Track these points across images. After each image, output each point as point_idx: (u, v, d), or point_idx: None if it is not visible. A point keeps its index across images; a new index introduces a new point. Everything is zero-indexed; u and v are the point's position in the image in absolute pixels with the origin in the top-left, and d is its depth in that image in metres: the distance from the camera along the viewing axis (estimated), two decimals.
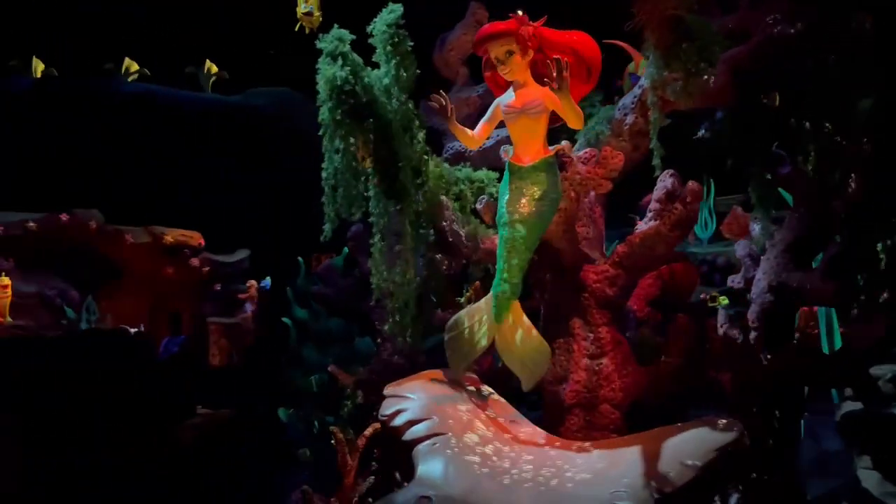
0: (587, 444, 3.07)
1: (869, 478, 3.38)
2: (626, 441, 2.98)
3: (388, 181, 3.86)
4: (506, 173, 3.34)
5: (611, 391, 3.46)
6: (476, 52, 3.36)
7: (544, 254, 3.64)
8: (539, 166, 3.24)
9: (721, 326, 3.67)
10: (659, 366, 3.45)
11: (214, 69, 8.19)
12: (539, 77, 3.29)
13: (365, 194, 3.83)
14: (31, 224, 7.33)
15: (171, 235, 8.13)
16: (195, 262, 8.49)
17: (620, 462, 2.80)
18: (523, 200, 3.22)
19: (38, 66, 7.60)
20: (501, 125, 3.45)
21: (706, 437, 2.79)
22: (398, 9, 3.89)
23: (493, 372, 3.77)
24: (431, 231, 3.87)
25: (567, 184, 3.44)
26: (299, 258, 4.89)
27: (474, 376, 3.53)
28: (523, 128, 3.26)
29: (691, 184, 3.31)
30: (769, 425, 3.10)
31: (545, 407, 3.61)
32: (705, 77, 3.22)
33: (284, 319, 4.39)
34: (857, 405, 3.47)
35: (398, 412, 3.28)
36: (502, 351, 3.24)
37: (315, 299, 4.35)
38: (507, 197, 3.26)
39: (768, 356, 3.19)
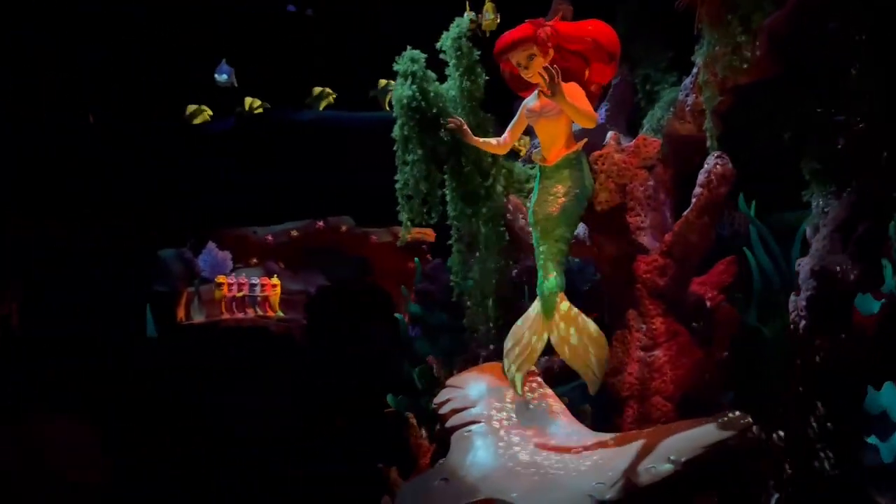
0: (610, 438, 3.09)
1: None
2: (638, 435, 2.97)
3: (461, 186, 4.14)
4: (536, 174, 3.44)
5: (662, 383, 3.40)
6: (498, 62, 3.48)
7: (597, 247, 3.66)
8: (561, 164, 3.29)
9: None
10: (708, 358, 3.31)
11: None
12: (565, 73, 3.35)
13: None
14: (294, 232, 8.72)
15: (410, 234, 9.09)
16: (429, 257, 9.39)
17: (618, 456, 2.83)
18: (549, 199, 3.30)
19: (254, 103, 8.85)
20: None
21: (700, 434, 2.71)
22: (464, 22, 4.14)
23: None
24: (503, 230, 4.06)
25: (604, 176, 3.44)
26: (415, 259, 5.33)
27: (533, 368, 3.66)
28: (544, 129, 3.33)
29: (717, 167, 3.12)
30: (807, 423, 2.86)
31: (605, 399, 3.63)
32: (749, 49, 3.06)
33: (396, 315, 4.84)
34: None
35: (447, 401, 3.56)
36: (559, 348, 3.21)
37: (419, 295, 4.74)
38: (535, 198, 3.36)
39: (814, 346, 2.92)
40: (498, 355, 4.10)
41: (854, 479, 2.94)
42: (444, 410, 3.49)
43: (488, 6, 4.25)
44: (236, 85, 8.63)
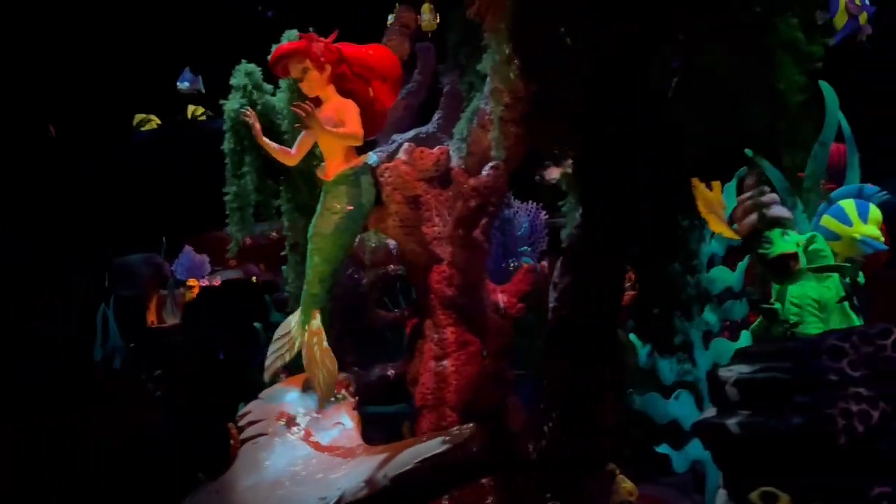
0: (360, 449, 3.12)
1: (720, 498, 2.89)
2: (378, 450, 2.99)
3: (293, 197, 4.19)
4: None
5: (449, 393, 3.41)
6: (275, 73, 3.54)
7: (403, 257, 3.68)
8: (338, 180, 3.33)
9: None
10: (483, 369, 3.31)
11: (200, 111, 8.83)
12: (345, 92, 3.40)
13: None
14: (274, 234, 8.85)
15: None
16: None
17: (348, 471, 2.85)
18: (324, 215, 3.34)
19: (196, 111, 8.96)
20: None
21: (419, 449, 2.72)
22: (292, 34, 4.18)
23: None
24: None
25: (390, 188, 3.46)
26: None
27: (343, 378, 3.69)
28: (322, 143, 3.37)
29: (470, 180, 3.11)
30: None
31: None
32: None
33: (255, 324, 4.92)
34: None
35: (246, 413, 3.63)
36: (304, 357, 3.34)
37: (277, 304, 4.81)
38: (316, 212, 3.40)
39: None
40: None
41: None
42: (241, 423, 3.56)
43: (426, 7, 4.32)
44: (203, 91, 8.75)
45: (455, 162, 3.63)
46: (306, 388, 3.52)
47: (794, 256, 3.04)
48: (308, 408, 3.45)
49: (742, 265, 3.52)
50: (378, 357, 4.44)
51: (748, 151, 3.58)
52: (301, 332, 3.28)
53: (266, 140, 3.53)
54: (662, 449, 3.40)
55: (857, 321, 3.03)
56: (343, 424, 3.41)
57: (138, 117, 8.83)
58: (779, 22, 2.07)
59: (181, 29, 8.25)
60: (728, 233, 3.27)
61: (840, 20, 4.04)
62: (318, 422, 3.39)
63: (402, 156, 3.49)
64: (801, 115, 2.19)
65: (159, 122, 8.87)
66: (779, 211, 3.08)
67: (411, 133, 4.25)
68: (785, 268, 3.05)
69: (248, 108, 3.63)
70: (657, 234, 2.29)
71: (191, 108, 8.78)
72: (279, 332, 3.42)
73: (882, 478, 2.38)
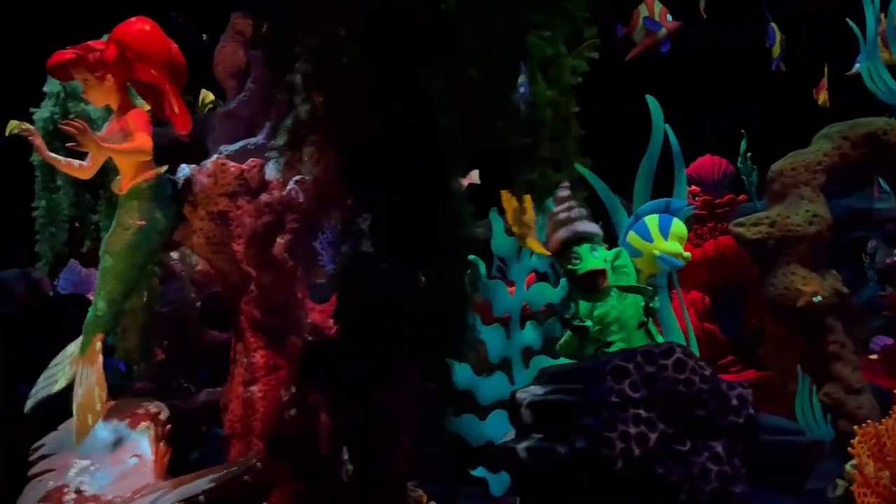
0: (163, 483, 2.92)
1: None
2: (174, 482, 2.81)
3: (110, 212, 3.93)
4: None
5: (256, 420, 3.23)
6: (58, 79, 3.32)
7: (217, 276, 3.48)
8: (130, 194, 3.11)
9: None
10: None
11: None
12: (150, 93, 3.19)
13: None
14: None
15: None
16: None
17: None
18: (117, 231, 3.12)
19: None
20: None
21: (187, 489, 2.55)
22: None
23: None
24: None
25: (192, 203, 3.26)
26: None
27: (153, 408, 3.44)
28: (114, 156, 3.15)
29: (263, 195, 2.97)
30: None
31: None
32: None
33: None
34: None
35: (40, 446, 3.36)
36: (76, 384, 3.03)
37: None
38: (111, 227, 3.17)
39: None
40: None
41: None
42: (32, 457, 3.29)
43: None
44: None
45: (274, 175, 3.47)
46: (116, 418, 3.28)
47: (603, 273, 3.01)
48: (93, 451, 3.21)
49: (563, 282, 3.47)
50: (208, 381, 4.22)
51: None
52: (76, 358, 3.02)
53: (51, 154, 3.26)
54: (479, 472, 3.31)
55: (659, 339, 3.02)
56: (141, 457, 3.20)
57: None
58: (528, 35, 2.00)
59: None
60: (538, 248, 3.22)
61: (639, 35, 4.10)
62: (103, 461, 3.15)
63: (205, 169, 3.29)
64: (560, 130, 2.12)
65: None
66: (587, 226, 3.04)
67: (239, 144, 4.05)
68: (593, 284, 3.01)
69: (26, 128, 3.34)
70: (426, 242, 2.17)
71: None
72: (57, 358, 3.16)
73: (657, 502, 2.34)
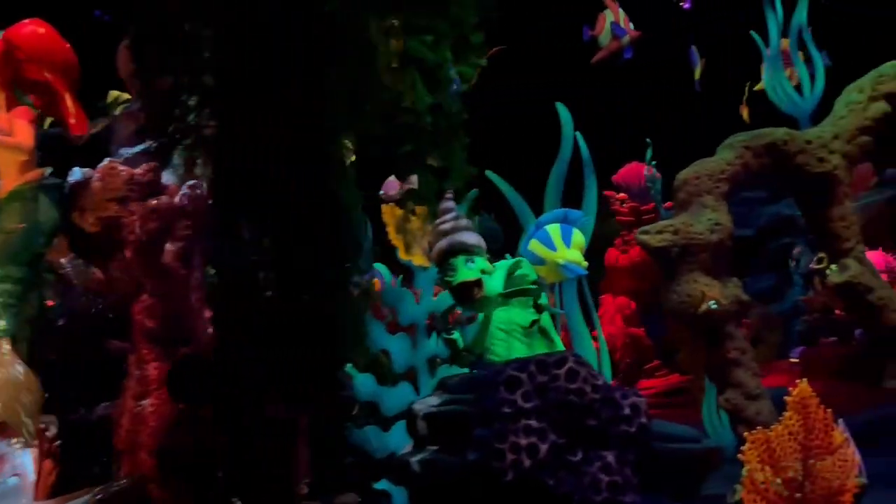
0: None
1: None
2: (55, 502, 2.67)
3: None
4: None
5: (146, 435, 3.10)
6: None
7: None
8: (11, 197, 2.98)
9: None
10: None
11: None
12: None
13: None
14: None
15: None
16: None
17: None
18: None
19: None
20: None
21: None
22: None
23: None
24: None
25: (81, 209, 3.12)
26: None
27: (40, 424, 3.27)
28: None
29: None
30: None
31: None
32: None
33: None
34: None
35: None
36: None
37: None
38: None
39: None
40: None
41: None
42: None
43: None
44: None
45: (172, 179, 3.34)
46: None
47: (478, 283, 2.98)
48: None
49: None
50: (107, 394, 4.04)
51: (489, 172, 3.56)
52: None
53: None
54: (381, 485, 3.24)
55: (559, 345, 3.01)
56: (22, 476, 3.02)
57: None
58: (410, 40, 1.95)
59: None
60: (420, 259, 3.19)
61: (605, 39, 4.14)
62: None
63: (97, 173, 3.15)
64: (447, 135, 2.08)
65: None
66: (465, 237, 3.00)
67: (141, 147, 3.91)
68: (468, 295, 2.99)
69: None
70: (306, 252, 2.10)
71: None
72: None
73: None
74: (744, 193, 7.08)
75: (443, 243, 2.85)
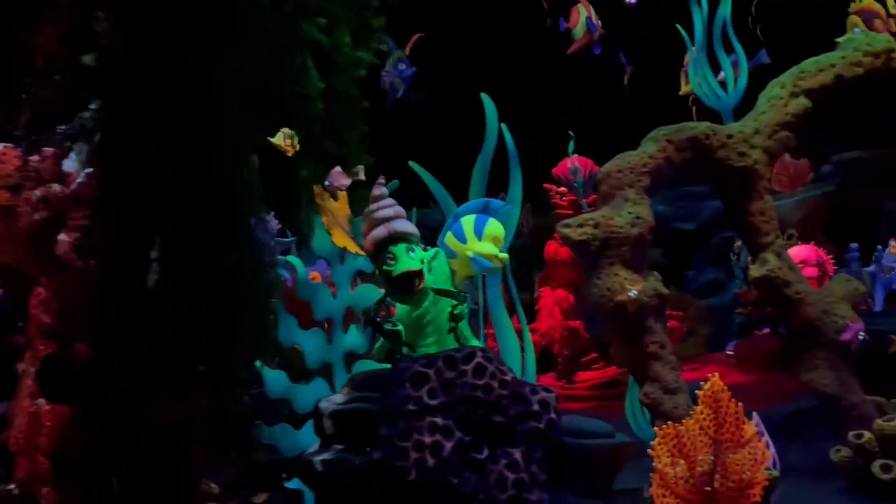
0: None
1: None
2: None
3: None
4: None
5: (42, 437, 2.94)
6: None
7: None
8: None
9: None
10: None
11: None
12: None
13: None
14: None
15: None
16: None
17: None
18: None
19: None
20: None
21: None
22: None
23: None
24: None
25: None
26: None
27: None
28: None
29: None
30: None
31: None
32: None
33: None
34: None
35: None
36: None
37: None
38: None
39: None
40: None
41: None
42: None
43: None
44: None
45: (74, 167, 3.17)
46: None
47: (419, 274, 2.87)
48: None
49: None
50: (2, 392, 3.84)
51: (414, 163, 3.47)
52: None
53: None
54: (293, 484, 3.14)
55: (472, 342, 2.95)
56: None
57: None
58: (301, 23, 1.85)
59: None
60: (352, 247, 3.08)
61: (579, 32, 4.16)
62: None
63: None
64: (342, 124, 1.99)
65: None
66: (402, 225, 2.89)
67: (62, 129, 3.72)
68: (409, 286, 2.88)
69: None
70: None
71: None
72: None
73: None
74: (685, 188, 7.21)
75: (381, 231, 2.72)
